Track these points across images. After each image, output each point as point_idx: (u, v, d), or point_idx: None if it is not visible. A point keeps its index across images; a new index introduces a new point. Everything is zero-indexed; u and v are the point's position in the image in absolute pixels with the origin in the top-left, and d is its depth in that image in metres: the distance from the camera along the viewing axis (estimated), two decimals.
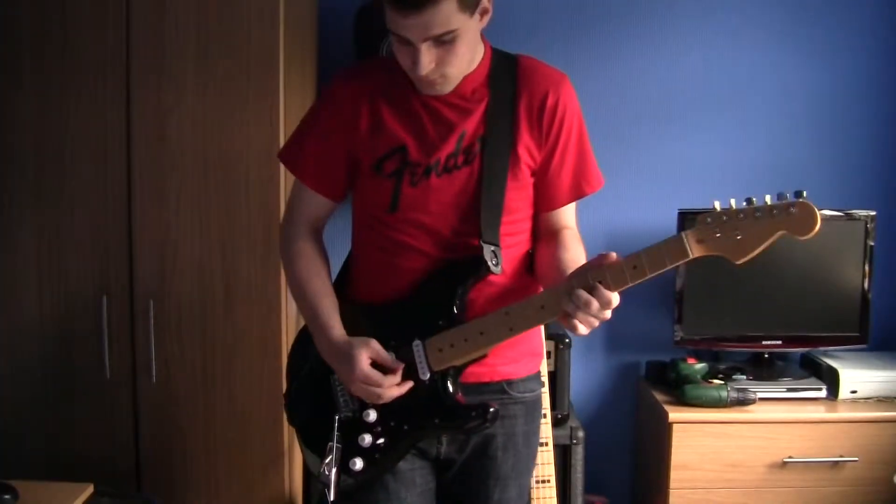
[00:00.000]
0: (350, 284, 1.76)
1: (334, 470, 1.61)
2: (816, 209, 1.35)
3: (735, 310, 2.79)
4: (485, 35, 1.66)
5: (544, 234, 1.72)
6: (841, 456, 2.56)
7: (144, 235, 2.37)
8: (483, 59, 1.65)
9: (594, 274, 1.46)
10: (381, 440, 1.63)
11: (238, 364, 2.37)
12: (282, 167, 2.02)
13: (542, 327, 1.75)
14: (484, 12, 1.54)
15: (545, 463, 2.29)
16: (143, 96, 2.34)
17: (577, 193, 1.70)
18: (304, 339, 1.73)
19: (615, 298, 1.46)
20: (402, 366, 1.58)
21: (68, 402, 2.42)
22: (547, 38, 2.91)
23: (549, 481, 2.29)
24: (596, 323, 1.47)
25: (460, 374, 1.62)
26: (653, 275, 1.45)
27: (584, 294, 1.44)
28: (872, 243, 2.75)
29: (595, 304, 1.44)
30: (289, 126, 2.27)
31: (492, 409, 1.59)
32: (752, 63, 2.94)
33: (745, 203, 1.40)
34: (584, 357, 2.99)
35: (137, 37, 2.33)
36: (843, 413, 2.61)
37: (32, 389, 2.42)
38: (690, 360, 2.75)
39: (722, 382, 2.66)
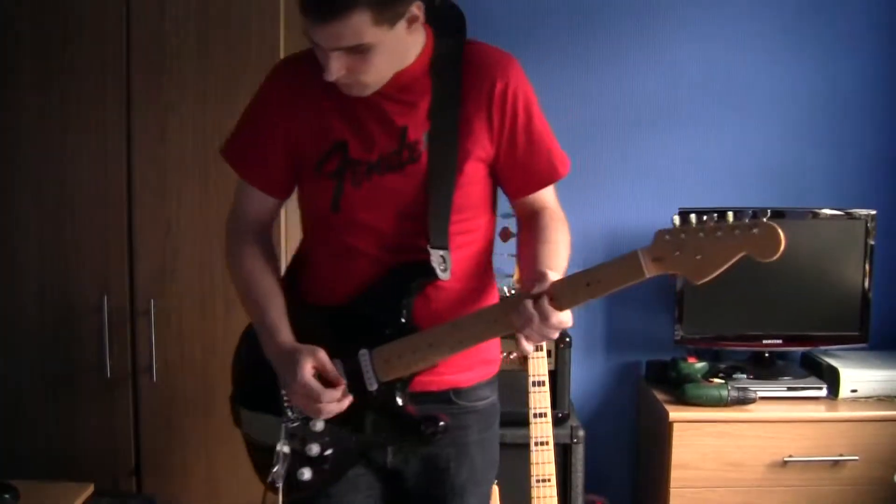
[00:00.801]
0: (298, 284, 1.68)
1: (283, 478, 1.56)
2: (780, 231, 1.26)
3: (735, 309, 2.79)
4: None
5: (524, 219, 1.65)
6: (841, 455, 2.56)
7: (145, 235, 2.38)
8: (424, 48, 1.54)
9: (543, 289, 1.39)
10: (329, 451, 1.57)
11: None
12: None
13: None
14: (413, 20, 1.44)
15: (545, 462, 2.29)
16: (143, 96, 2.34)
17: (552, 176, 1.63)
18: (250, 341, 1.64)
19: (566, 317, 1.40)
20: (344, 382, 1.52)
21: (69, 401, 2.42)
22: (546, 39, 2.90)
23: (549, 480, 2.29)
24: (539, 340, 1.41)
25: (408, 385, 1.55)
26: (606, 294, 1.39)
27: (529, 308, 1.38)
28: (872, 242, 2.75)
29: (537, 319, 1.38)
30: None
31: (442, 423, 1.53)
32: (752, 63, 2.94)
33: (705, 220, 1.31)
34: (584, 356, 2.99)
35: (137, 36, 2.34)
36: (844, 412, 2.61)
37: (33, 389, 2.42)
38: (691, 360, 2.76)
39: (722, 381, 2.66)
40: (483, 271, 1.67)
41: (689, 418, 2.57)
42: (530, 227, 1.62)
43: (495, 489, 2.42)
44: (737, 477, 2.57)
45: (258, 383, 1.63)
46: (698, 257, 1.31)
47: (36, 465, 2.40)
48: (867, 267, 2.76)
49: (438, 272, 1.52)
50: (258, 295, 1.61)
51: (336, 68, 1.42)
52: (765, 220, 1.28)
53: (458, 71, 1.54)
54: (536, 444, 2.30)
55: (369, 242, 1.57)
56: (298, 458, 1.58)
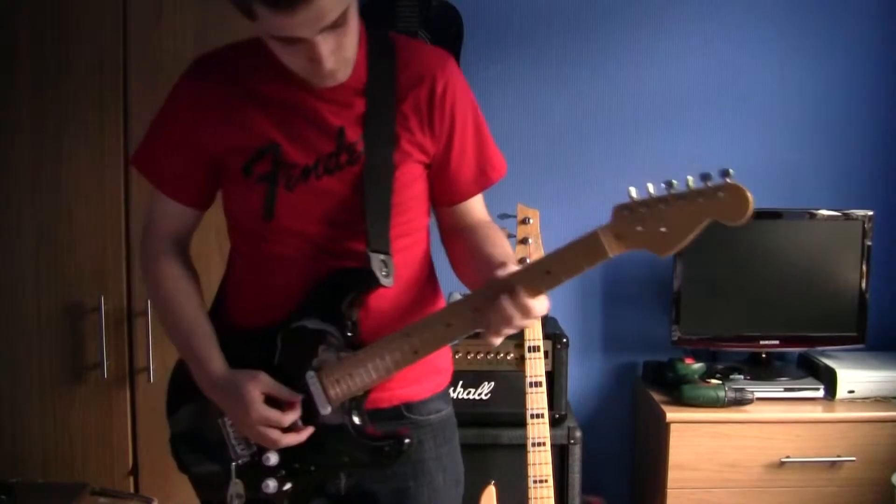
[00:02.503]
0: (229, 308, 1.56)
1: None
2: (748, 191, 1.16)
3: (732, 309, 2.79)
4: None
5: (456, 231, 1.56)
6: (838, 456, 2.56)
7: None
8: (359, 40, 1.41)
9: (505, 282, 1.31)
10: (287, 485, 1.45)
11: None
12: None
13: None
14: None
15: (542, 463, 2.29)
16: (140, 96, 2.34)
17: (484, 183, 1.54)
18: (183, 374, 1.50)
19: (541, 304, 1.31)
20: (299, 398, 1.40)
21: (66, 402, 2.42)
22: (545, 40, 2.90)
23: (546, 481, 2.29)
24: (508, 333, 1.32)
25: (364, 403, 1.45)
26: (568, 279, 1.30)
27: (508, 307, 1.28)
28: (870, 243, 2.75)
29: (518, 315, 1.29)
30: None
31: (407, 441, 1.44)
32: (750, 65, 2.94)
33: (664, 188, 1.22)
34: (581, 357, 2.99)
35: (135, 37, 2.34)
36: (841, 413, 2.60)
37: (31, 389, 2.42)
38: (688, 360, 2.75)
39: (719, 382, 2.66)
40: (427, 276, 1.58)
41: (686, 419, 2.57)
42: (471, 237, 1.52)
43: (492, 490, 2.42)
44: (734, 478, 2.57)
45: (195, 420, 1.51)
46: (662, 229, 1.23)
47: (33, 465, 2.40)
48: (864, 268, 2.76)
49: (381, 278, 1.41)
50: (183, 322, 1.48)
51: (328, 52, 1.29)
52: (729, 180, 1.17)
53: (392, 66, 1.44)
54: (533, 444, 2.30)
55: (303, 251, 1.45)
56: (255, 497, 1.46)
